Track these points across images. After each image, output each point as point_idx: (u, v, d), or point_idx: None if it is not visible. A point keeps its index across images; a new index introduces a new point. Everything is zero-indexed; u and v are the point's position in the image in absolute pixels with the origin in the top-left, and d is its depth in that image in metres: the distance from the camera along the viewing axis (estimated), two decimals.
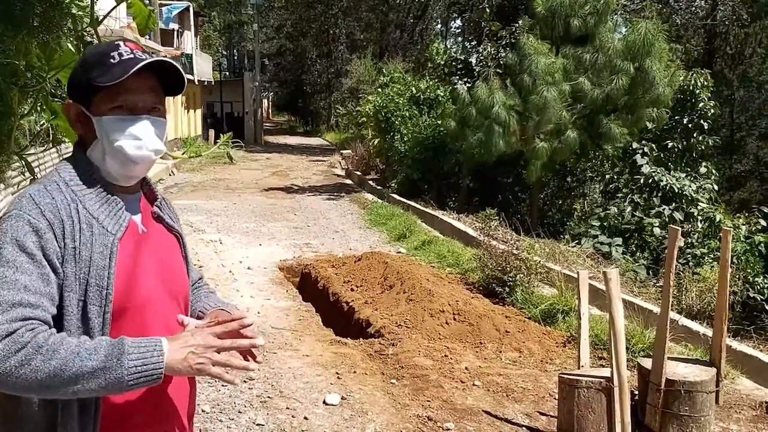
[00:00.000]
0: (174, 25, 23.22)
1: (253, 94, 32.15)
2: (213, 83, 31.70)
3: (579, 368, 4.17)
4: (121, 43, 1.49)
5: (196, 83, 25.96)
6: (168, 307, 1.56)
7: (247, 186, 16.18)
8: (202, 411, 4.30)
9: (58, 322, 1.38)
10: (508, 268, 6.91)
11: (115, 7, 2.63)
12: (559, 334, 5.92)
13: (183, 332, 1.41)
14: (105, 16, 2.58)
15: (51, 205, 1.39)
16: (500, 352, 5.63)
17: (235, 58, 60.77)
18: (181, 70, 1.54)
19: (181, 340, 1.36)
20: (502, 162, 12.43)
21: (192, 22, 26.29)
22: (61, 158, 1.55)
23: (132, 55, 1.46)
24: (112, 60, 1.45)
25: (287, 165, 21.86)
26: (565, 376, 4.06)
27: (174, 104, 22.77)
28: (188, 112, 25.82)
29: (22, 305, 1.30)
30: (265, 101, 49.84)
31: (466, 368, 5.22)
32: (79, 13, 3.15)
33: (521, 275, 6.90)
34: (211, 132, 26.63)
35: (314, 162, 23.08)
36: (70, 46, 3.23)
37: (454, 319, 6.07)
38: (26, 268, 1.33)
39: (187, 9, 25.54)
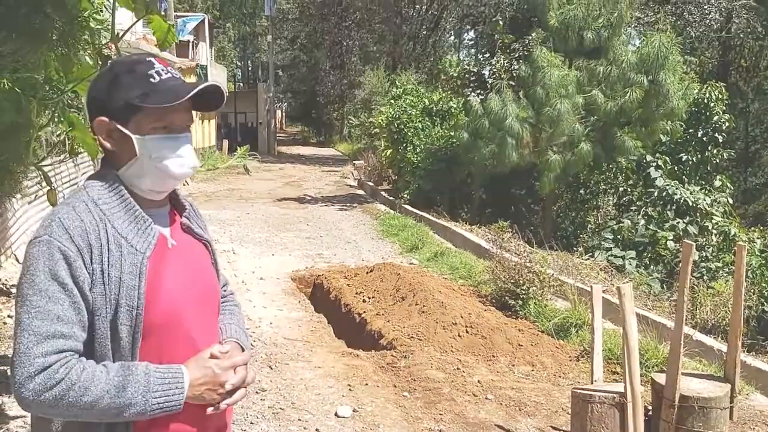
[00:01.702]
0: (189, 37, 23.40)
1: (266, 104, 32.32)
2: (227, 94, 31.87)
3: (592, 383, 4.15)
4: (154, 60, 1.51)
5: None
6: (202, 316, 1.59)
7: (260, 196, 16.25)
8: None
9: (89, 344, 1.41)
10: (521, 281, 6.89)
11: (135, 22, 2.67)
12: (572, 348, 5.90)
13: (206, 364, 1.49)
14: (125, 32, 2.61)
15: (80, 228, 1.41)
16: (513, 365, 5.61)
17: (249, 69, 61.17)
18: (224, 92, 1.58)
19: (200, 372, 1.47)
20: (515, 174, 12.44)
21: (207, 34, 26.51)
22: (84, 175, 1.57)
23: (170, 75, 1.50)
24: (152, 80, 1.47)
25: (300, 175, 21.94)
26: (579, 390, 4.04)
27: None
28: (202, 122, 25.97)
29: (55, 337, 1.34)
30: (278, 112, 50.07)
31: (478, 381, 5.20)
32: (97, 27, 3.20)
33: (534, 288, 6.88)
34: (225, 142, 26.77)
35: (327, 172, 23.14)
36: (88, 59, 3.28)
37: (467, 331, 6.06)
38: (58, 297, 1.35)
39: (202, 21, 25.76)
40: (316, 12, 37.99)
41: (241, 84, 53.56)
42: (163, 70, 1.49)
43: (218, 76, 28.37)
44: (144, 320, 1.43)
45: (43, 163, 4.11)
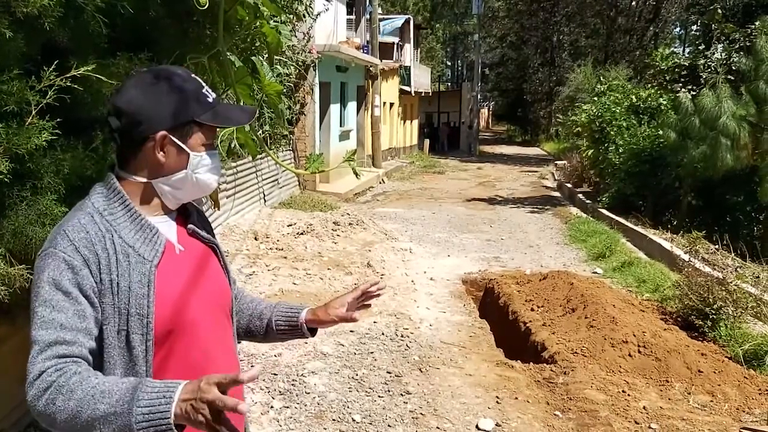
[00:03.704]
0: (393, 39, 24.13)
1: (470, 104, 32.39)
2: (431, 94, 32.47)
3: None
4: (193, 76, 1.53)
5: (413, 94, 26.77)
6: (216, 320, 1.59)
7: (450, 196, 16.29)
8: (353, 420, 4.36)
9: (99, 353, 1.42)
10: (711, 299, 6.13)
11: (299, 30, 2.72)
12: (764, 380, 5.11)
13: (203, 377, 1.27)
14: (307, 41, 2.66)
15: (85, 240, 1.41)
16: (689, 393, 5.00)
17: (459, 68, 61.78)
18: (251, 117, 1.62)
19: (190, 386, 1.26)
20: (731, 178, 11.20)
21: (411, 35, 27.16)
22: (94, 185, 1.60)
23: (215, 94, 1.55)
24: (209, 99, 1.52)
25: (496, 175, 21.67)
26: (749, 431, 3.48)
27: (390, 115, 23.70)
28: (404, 122, 26.69)
29: (57, 343, 1.33)
30: (484, 110, 50.01)
31: (644, 408, 4.70)
32: (271, 31, 3.27)
33: (727, 308, 6.07)
34: (426, 142, 27.27)
35: (525, 173, 22.62)
36: (265, 63, 3.42)
37: (639, 351, 5.52)
38: (62, 306, 1.36)
39: (407, 22, 26.43)
40: (525, 8, 37.35)
41: (449, 84, 54.24)
42: (208, 90, 1.53)
43: (421, 76, 28.98)
44: (155, 328, 1.43)
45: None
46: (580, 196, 15.46)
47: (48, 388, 1.29)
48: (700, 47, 14.66)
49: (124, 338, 1.41)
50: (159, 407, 1.25)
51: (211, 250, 1.66)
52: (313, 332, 1.84)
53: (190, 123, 1.49)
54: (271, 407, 4.48)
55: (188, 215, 1.64)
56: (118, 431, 1.26)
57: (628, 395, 4.88)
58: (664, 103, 13.88)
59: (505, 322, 6.69)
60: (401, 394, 4.78)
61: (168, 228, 1.57)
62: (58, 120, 2.39)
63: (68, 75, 2.36)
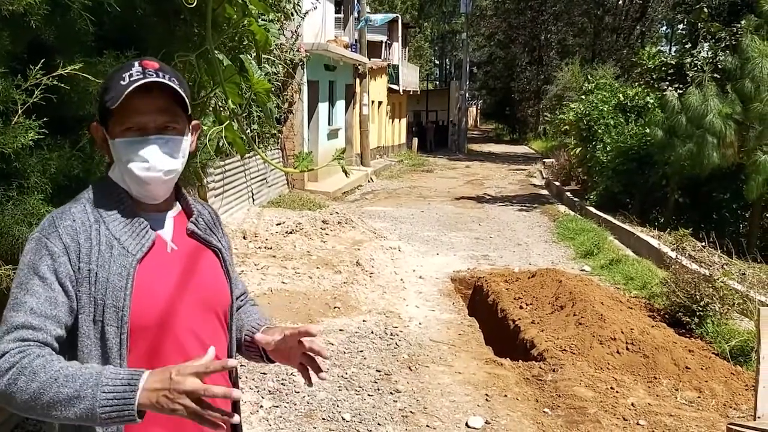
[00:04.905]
0: (382, 37, 24.13)
1: (458, 102, 32.43)
2: (419, 92, 32.49)
3: (755, 419, 3.58)
4: (136, 62, 1.46)
5: (401, 93, 26.80)
6: (202, 322, 1.54)
7: (439, 194, 16.33)
8: (342, 419, 4.36)
9: (74, 344, 1.41)
10: (699, 296, 6.17)
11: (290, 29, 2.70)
12: (750, 376, 5.15)
13: (166, 367, 1.30)
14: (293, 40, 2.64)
15: (70, 228, 1.42)
16: (676, 389, 5.04)
17: (447, 67, 61.85)
18: (179, 89, 1.45)
19: (158, 376, 1.27)
20: (718, 176, 11.29)
21: (400, 34, 27.17)
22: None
23: (141, 76, 1.42)
24: (122, 82, 1.43)
25: (484, 174, 21.72)
26: (736, 427, 3.50)
27: (378, 114, 23.71)
28: (392, 121, 26.70)
29: (24, 327, 1.34)
30: (473, 109, 50.10)
31: (632, 404, 4.73)
32: (259, 29, 3.25)
33: (714, 305, 6.12)
34: (414, 140, 27.28)
35: (513, 171, 22.68)
36: (253, 61, 3.40)
37: (627, 348, 5.56)
38: (36, 290, 1.36)
39: (395, 21, 26.44)
40: (513, 6, 37.47)
41: (438, 83, 54.31)
42: (137, 72, 1.43)
43: (410, 75, 28.99)
44: (131, 322, 1.41)
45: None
46: (568, 194, 15.53)
47: (10, 368, 1.29)
48: (686, 46, 14.77)
49: (99, 329, 1.40)
50: (123, 394, 1.26)
51: (213, 252, 1.62)
52: (269, 358, 1.73)
53: (102, 110, 1.47)
54: (261, 406, 4.47)
55: (190, 215, 1.61)
56: (80, 415, 1.27)
57: (617, 392, 4.91)
58: (651, 101, 13.96)
59: (494, 320, 6.72)
60: (391, 393, 4.78)
61: (162, 225, 1.54)
62: (45, 119, 2.37)
63: (55, 74, 2.35)
